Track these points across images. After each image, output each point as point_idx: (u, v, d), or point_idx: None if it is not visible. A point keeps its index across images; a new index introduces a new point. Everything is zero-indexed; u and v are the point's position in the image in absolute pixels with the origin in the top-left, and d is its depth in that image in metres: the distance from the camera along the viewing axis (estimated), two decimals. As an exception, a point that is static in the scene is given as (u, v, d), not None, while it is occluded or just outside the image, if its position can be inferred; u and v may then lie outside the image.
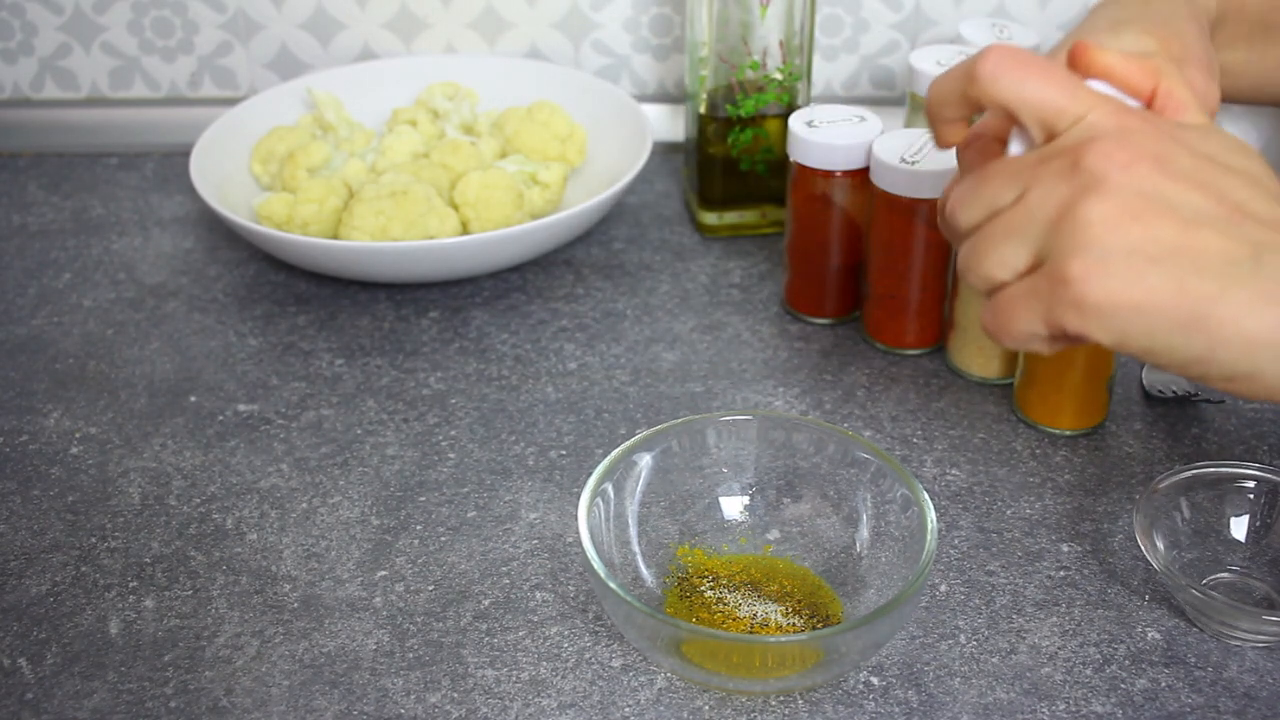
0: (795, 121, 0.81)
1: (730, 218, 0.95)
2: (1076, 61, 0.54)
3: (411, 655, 0.62)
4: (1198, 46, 0.61)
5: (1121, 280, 0.46)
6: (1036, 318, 0.48)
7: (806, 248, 0.84)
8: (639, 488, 0.65)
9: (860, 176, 0.80)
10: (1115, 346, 0.47)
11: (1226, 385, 0.47)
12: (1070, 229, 0.46)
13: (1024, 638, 0.63)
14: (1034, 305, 0.48)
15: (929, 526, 0.59)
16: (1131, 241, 0.46)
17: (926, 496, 0.61)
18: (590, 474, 0.64)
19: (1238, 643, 0.62)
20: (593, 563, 0.58)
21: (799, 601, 0.64)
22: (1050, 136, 0.50)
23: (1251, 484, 0.66)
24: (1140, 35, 0.60)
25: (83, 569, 0.68)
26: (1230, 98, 0.69)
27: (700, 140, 0.93)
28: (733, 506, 0.68)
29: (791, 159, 0.82)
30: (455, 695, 0.60)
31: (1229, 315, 0.46)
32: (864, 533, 0.64)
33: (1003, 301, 0.50)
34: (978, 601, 0.65)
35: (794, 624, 0.62)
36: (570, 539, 0.69)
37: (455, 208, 0.90)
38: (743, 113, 0.91)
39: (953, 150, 0.58)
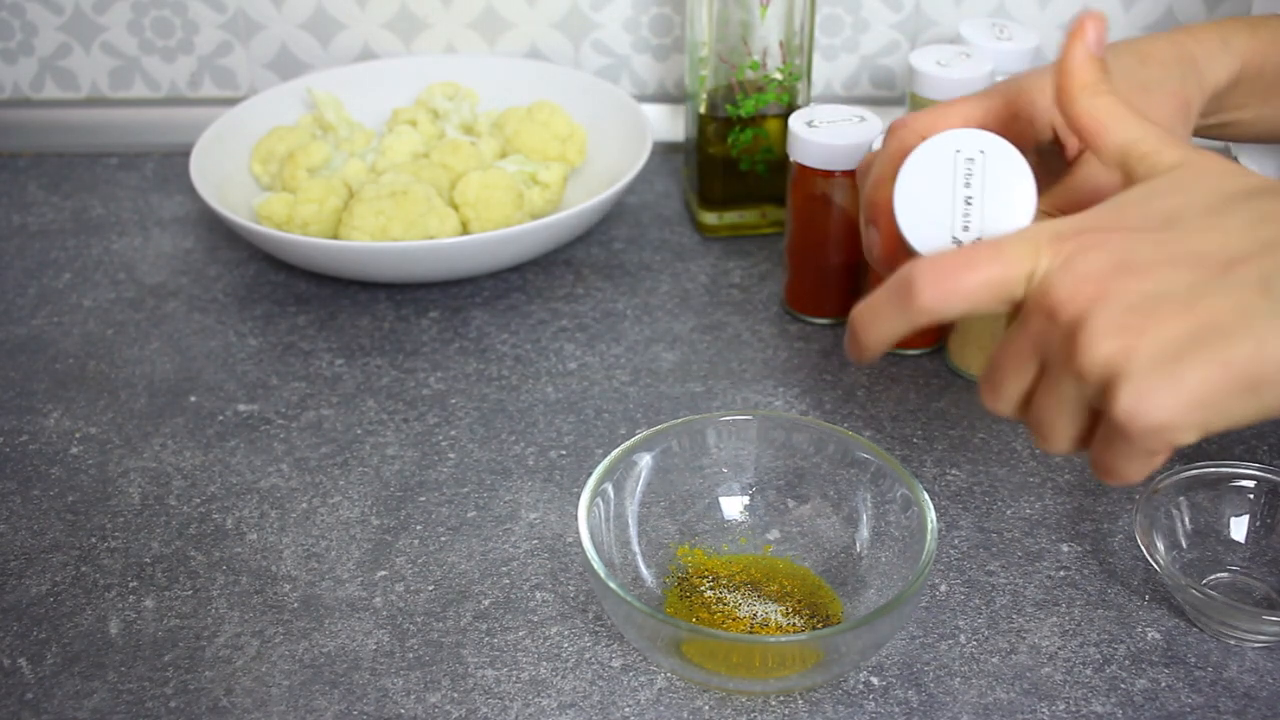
0: (795, 121, 0.81)
1: (730, 218, 0.95)
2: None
3: (411, 655, 0.62)
4: (1160, 122, 0.60)
5: (1169, 393, 0.45)
6: (1137, 461, 0.48)
7: (806, 248, 0.84)
8: (639, 488, 0.65)
9: (860, 176, 0.80)
10: (1207, 435, 0.47)
11: None
12: (1095, 378, 0.46)
13: (1024, 638, 0.63)
14: (1126, 452, 0.47)
15: (929, 526, 0.59)
16: (1150, 355, 0.45)
17: (926, 496, 0.61)
18: (590, 474, 0.64)
19: (1237, 643, 0.62)
20: (593, 563, 0.58)
21: (799, 601, 0.64)
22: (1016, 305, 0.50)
23: (1251, 484, 0.66)
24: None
25: (83, 569, 0.68)
26: (1239, 141, 0.70)
27: (700, 140, 0.93)
28: (733, 506, 0.68)
29: (791, 159, 0.82)
30: (455, 695, 0.60)
31: (1274, 360, 0.45)
32: (864, 533, 0.64)
33: (1098, 459, 0.49)
34: (978, 601, 0.65)
35: (794, 624, 0.62)
36: (570, 539, 0.69)
37: (455, 208, 0.90)
38: (743, 113, 0.91)
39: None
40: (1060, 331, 0.47)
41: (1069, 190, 0.60)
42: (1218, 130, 0.67)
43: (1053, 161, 0.62)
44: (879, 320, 0.52)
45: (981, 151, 0.55)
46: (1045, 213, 0.58)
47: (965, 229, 0.55)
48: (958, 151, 0.55)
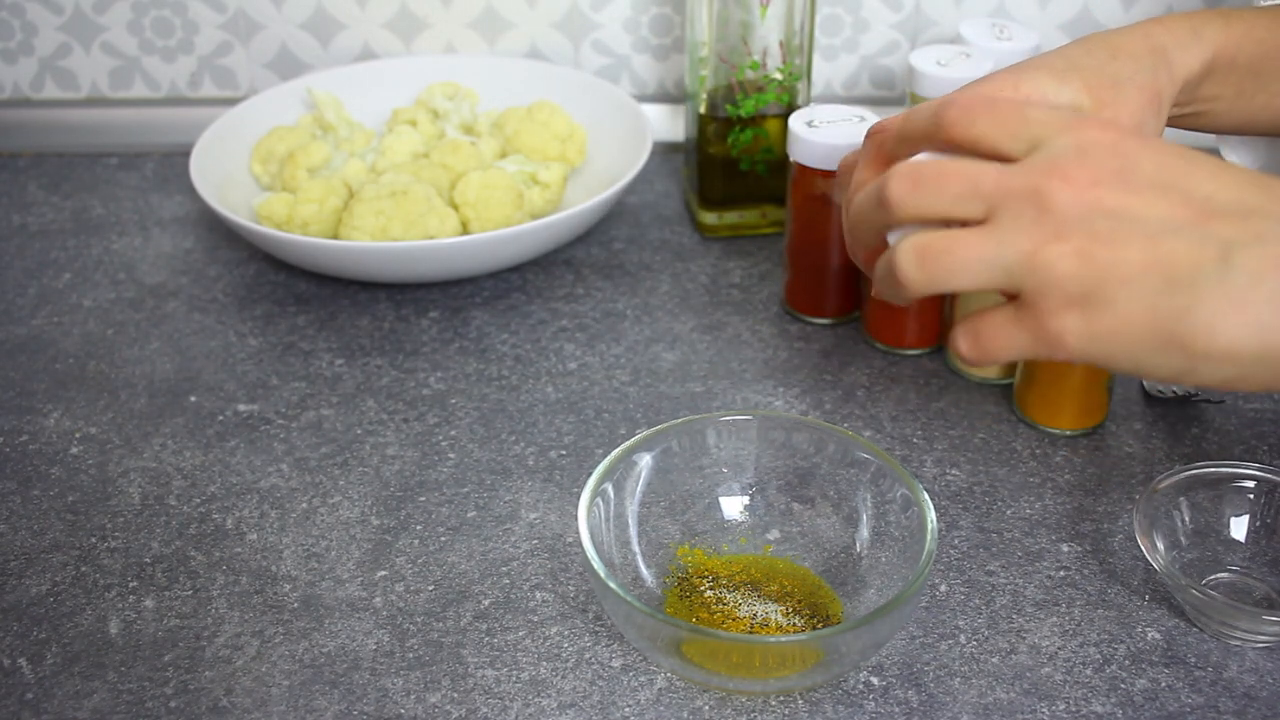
0: (795, 121, 0.81)
1: (730, 218, 0.95)
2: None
3: (411, 655, 0.62)
4: (1129, 121, 0.61)
5: (1096, 315, 0.47)
6: (1021, 345, 0.49)
7: (806, 248, 0.84)
8: (639, 488, 0.65)
9: (860, 176, 0.80)
10: (1104, 367, 0.48)
11: (1220, 387, 0.48)
12: (1042, 270, 0.47)
13: (1024, 638, 0.63)
14: (1018, 335, 0.49)
15: (929, 526, 0.59)
16: (1100, 269, 0.46)
17: (926, 496, 0.61)
18: (590, 474, 0.64)
19: (1238, 643, 0.62)
20: (593, 563, 0.58)
21: (799, 601, 0.64)
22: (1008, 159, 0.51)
23: (1251, 484, 0.66)
24: (1081, 92, 0.60)
25: (83, 569, 0.68)
26: (1213, 132, 0.70)
27: (700, 140, 0.93)
28: (733, 506, 0.68)
29: (791, 159, 0.82)
30: (455, 695, 0.60)
31: (1201, 329, 0.46)
32: (864, 533, 0.64)
33: (984, 328, 0.50)
34: (978, 601, 0.65)
35: (794, 624, 0.62)
36: (570, 539, 0.69)
37: (455, 208, 0.90)
38: (743, 113, 0.91)
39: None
40: (1035, 216, 0.47)
41: None
42: (1191, 120, 0.67)
43: None
44: (914, 119, 0.55)
45: None
46: None
47: None
48: None
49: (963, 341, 0.51)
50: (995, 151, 0.50)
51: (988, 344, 0.50)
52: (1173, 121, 0.66)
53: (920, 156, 0.54)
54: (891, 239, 0.54)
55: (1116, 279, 0.46)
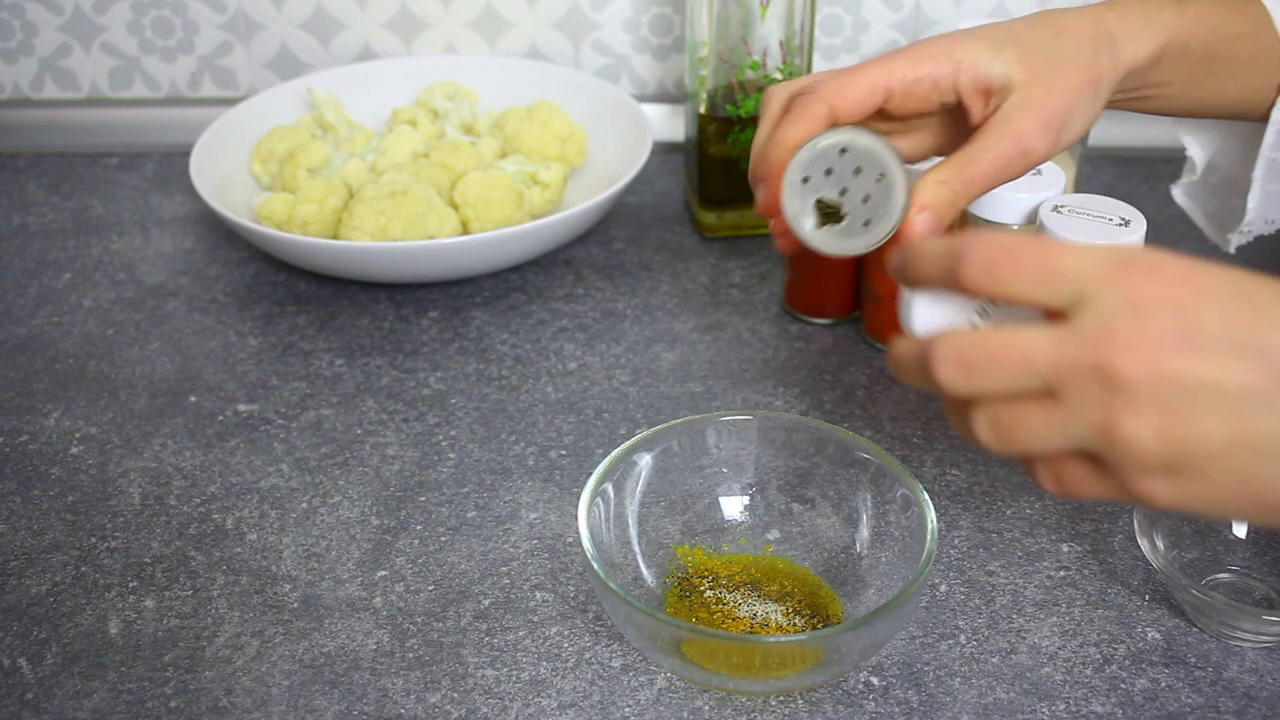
0: (795, 121, 0.81)
1: (730, 218, 0.95)
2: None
3: (411, 655, 0.62)
4: (1060, 100, 0.60)
5: (1186, 484, 0.45)
6: (1107, 495, 0.47)
7: (806, 248, 0.84)
8: (639, 488, 0.65)
9: (860, 176, 0.80)
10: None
11: None
12: (1121, 447, 0.44)
13: (1024, 638, 0.63)
14: (1103, 487, 0.47)
15: (929, 526, 0.59)
16: (1182, 446, 0.44)
17: (926, 496, 0.61)
18: (590, 474, 0.64)
19: (1238, 643, 0.62)
20: (593, 563, 0.58)
21: (799, 601, 0.64)
22: (1052, 314, 0.47)
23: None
24: (1015, 66, 0.60)
25: (83, 569, 0.68)
26: (1167, 115, 0.70)
27: (700, 140, 0.93)
28: (733, 506, 0.68)
29: (791, 159, 0.82)
30: (455, 695, 0.60)
31: None
32: (864, 533, 0.64)
33: (1068, 476, 0.48)
34: (978, 601, 0.65)
35: (794, 624, 0.62)
36: (570, 539, 0.69)
37: (455, 208, 0.90)
38: (743, 113, 0.91)
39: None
40: (1101, 390, 0.44)
41: (970, 157, 0.60)
42: (1138, 104, 0.67)
43: (956, 126, 0.63)
44: (928, 261, 0.50)
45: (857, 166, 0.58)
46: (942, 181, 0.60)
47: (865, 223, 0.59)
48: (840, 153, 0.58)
49: (1046, 482, 0.48)
50: (1031, 305, 0.47)
51: (1073, 489, 0.48)
52: (1120, 104, 0.66)
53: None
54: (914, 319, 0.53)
55: (1202, 455, 0.44)
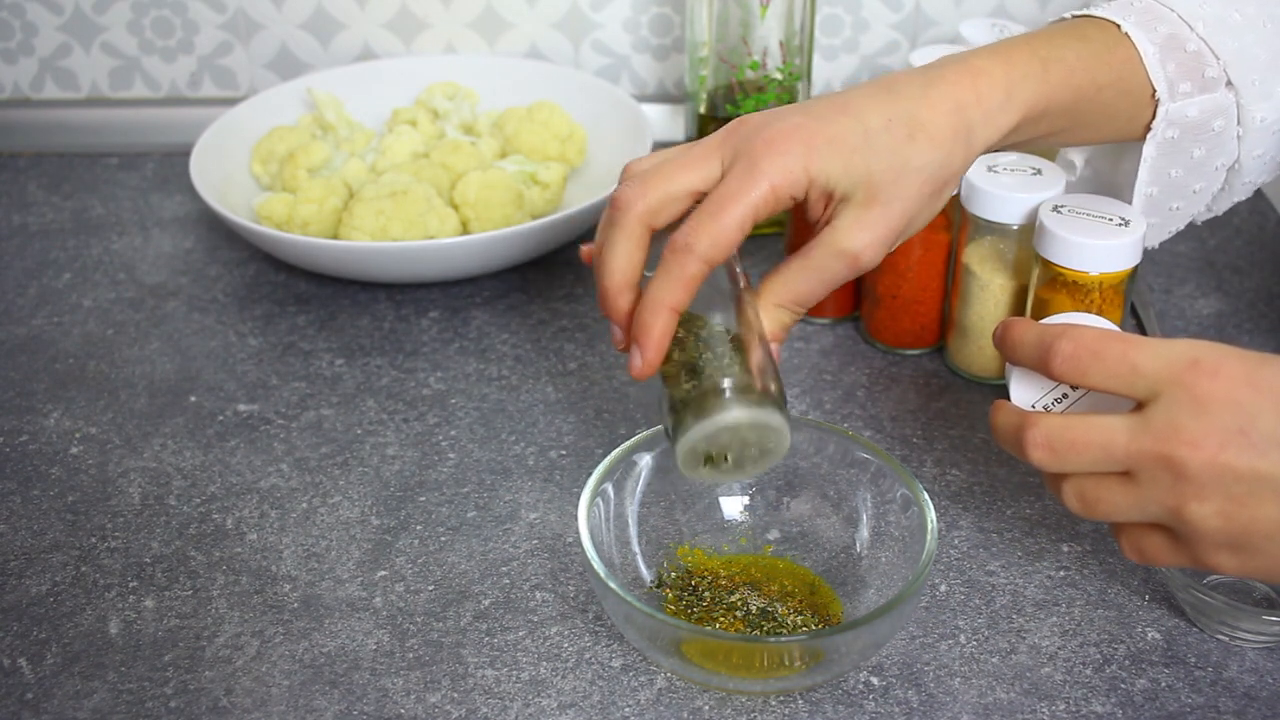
0: (795, 121, 0.81)
1: (730, 218, 0.95)
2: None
3: (411, 655, 0.62)
4: (898, 218, 0.60)
5: (1246, 558, 0.52)
6: (1183, 564, 0.54)
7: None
8: (639, 488, 0.65)
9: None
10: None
11: None
12: (1190, 525, 0.52)
13: (1024, 638, 0.63)
14: (1179, 557, 0.54)
15: (929, 526, 0.59)
16: (1242, 526, 0.51)
17: (926, 496, 0.61)
18: (590, 474, 0.64)
19: (1238, 643, 0.62)
20: (593, 563, 0.58)
21: (799, 601, 0.64)
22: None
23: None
24: (859, 182, 0.59)
25: (83, 569, 0.68)
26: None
27: (700, 140, 0.93)
28: (733, 506, 0.68)
29: (791, 159, 0.81)
30: (455, 695, 0.60)
31: None
32: (864, 533, 0.64)
33: (1147, 546, 0.55)
34: (978, 601, 0.65)
35: (794, 624, 0.62)
36: (570, 539, 0.69)
37: (455, 208, 0.90)
38: (742, 113, 0.91)
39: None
40: (1168, 474, 0.51)
41: (803, 277, 0.60)
42: (1010, 148, 0.68)
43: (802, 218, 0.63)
44: (1024, 347, 0.57)
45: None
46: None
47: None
48: None
49: (1129, 550, 0.56)
50: (1111, 392, 0.53)
51: (1151, 558, 0.55)
52: (989, 148, 0.64)
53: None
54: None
55: (1260, 534, 0.51)
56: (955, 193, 0.71)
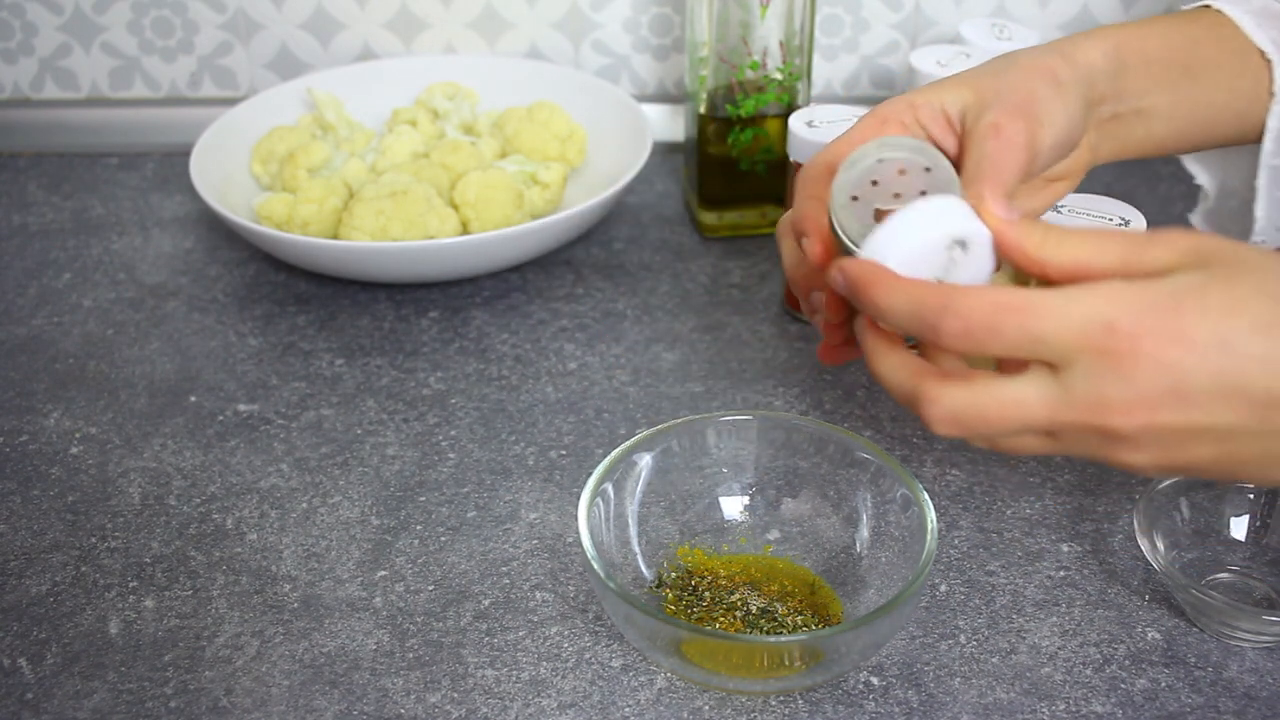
0: (795, 121, 0.81)
1: (730, 218, 0.95)
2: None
3: (411, 655, 0.62)
4: (1017, 93, 0.59)
5: (1177, 473, 0.51)
6: (1081, 454, 0.51)
7: (806, 248, 0.84)
8: (639, 488, 0.65)
9: (860, 176, 0.80)
10: None
11: None
12: (1122, 465, 0.50)
13: (1024, 638, 0.63)
14: (1082, 452, 0.51)
15: (929, 526, 0.59)
16: (1176, 467, 0.50)
17: (926, 496, 0.61)
18: (590, 474, 0.64)
19: (1238, 643, 0.62)
20: (593, 563, 0.58)
21: (799, 601, 0.64)
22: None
23: (1251, 484, 0.66)
24: (967, 90, 0.59)
25: (83, 569, 0.68)
26: (1176, 146, 0.68)
27: (700, 140, 0.93)
28: (733, 506, 0.68)
29: (791, 159, 0.82)
30: (455, 695, 0.60)
31: (1270, 480, 0.51)
32: (864, 533, 0.64)
33: (1025, 447, 0.52)
34: (978, 601, 0.65)
35: (794, 624, 0.62)
36: (570, 539, 0.69)
37: (455, 208, 0.90)
38: (743, 113, 0.91)
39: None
40: (1099, 437, 0.49)
41: (977, 174, 0.58)
42: (1137, 121, 0.65)
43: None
44: (903, 313, 0.51)
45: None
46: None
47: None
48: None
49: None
50: (1015, 361, 0.49)
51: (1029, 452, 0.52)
52: (1123, 131, 0.64)
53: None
54: None
55: (1193, 469, 0.50)
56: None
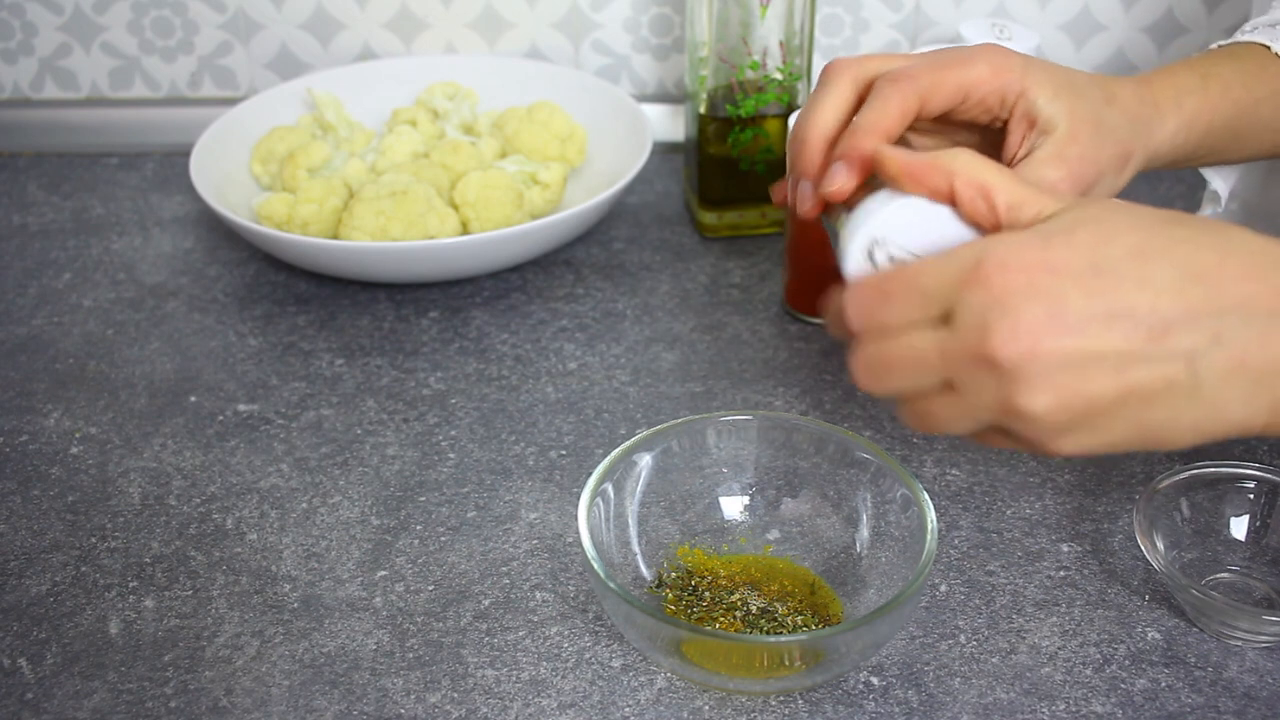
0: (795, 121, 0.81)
1: (730, 218, 0.95)
2: (877, 169, 0.55)
3: (411, 655, 0.62)
4: (1091, 167, 0.60)
5: (1087, 437, 0.49)
6: (1024, 450, 0.52)
7: (806, 248, 0.84)
8: (639, 488, 0.65)
9: (860, 176, 0.80)
10: None
11: None
12: (1024, 420, 0.48)
13: (1024, 638, 0.63)
14: (1020, 446, 0.51)
15: (929, 526, 0.59)
16: (1078, 408, 0.48)
17: (926, 496, 0.61)
18: (590, 474, 0.64)
19: (1238, 643, 0.62)
20: (593, 563, 0.58)
21: (799, 601, 0.64)
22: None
23: (1251, 484, 0.66)
24: (1065, 115, 0.60)
25: (83, 569, 0.68)
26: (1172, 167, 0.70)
27: (700, 140, 0.93)
28: (733, 506, 0.68)
29: (791, 159, 0.82)
30: (455, 695, 0.60)
31: (1186, 434, 0.49)
32: (864, 533, 0.64)
33: (997, 442, 0.52)
34: (978, 601, 0.65)
35: (794, 624, 0.62)
36: (570, 539, 0.69)
37: (455, 208, 0.90)
38: (743, 113, 0.91)
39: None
40: (990, 375, 0.48)
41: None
42: (1159, 167, 0.67)
43: (984, 149, 0.62)
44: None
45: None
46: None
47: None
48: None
49: (985, 442, 0.53)
50: (912, 323, 0.50)
51: (990, 444, 0.52)
52: (1156, 156, 0.66)
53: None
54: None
55: (1097, 412, 0.48)
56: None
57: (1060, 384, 0.47)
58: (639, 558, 0.64)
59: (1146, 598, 0.65)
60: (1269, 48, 0.67)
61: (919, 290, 0.50)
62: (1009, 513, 0.70)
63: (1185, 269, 0.47)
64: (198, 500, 0.72)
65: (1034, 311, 0.47)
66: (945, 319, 0.49)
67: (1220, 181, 0.75)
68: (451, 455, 0.75)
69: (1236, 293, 0.47)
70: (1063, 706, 0.59)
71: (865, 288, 0.51)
